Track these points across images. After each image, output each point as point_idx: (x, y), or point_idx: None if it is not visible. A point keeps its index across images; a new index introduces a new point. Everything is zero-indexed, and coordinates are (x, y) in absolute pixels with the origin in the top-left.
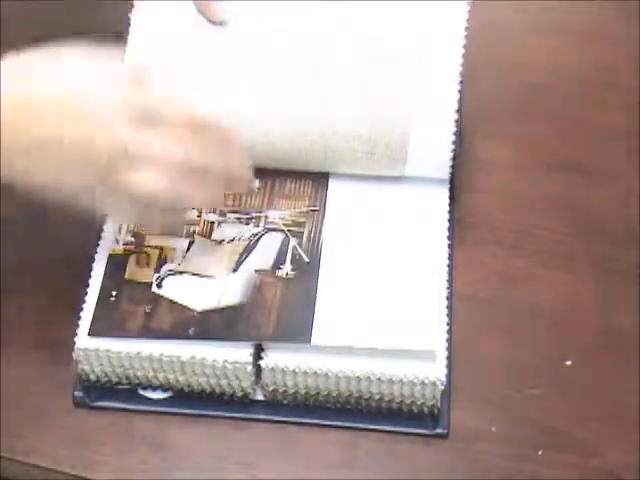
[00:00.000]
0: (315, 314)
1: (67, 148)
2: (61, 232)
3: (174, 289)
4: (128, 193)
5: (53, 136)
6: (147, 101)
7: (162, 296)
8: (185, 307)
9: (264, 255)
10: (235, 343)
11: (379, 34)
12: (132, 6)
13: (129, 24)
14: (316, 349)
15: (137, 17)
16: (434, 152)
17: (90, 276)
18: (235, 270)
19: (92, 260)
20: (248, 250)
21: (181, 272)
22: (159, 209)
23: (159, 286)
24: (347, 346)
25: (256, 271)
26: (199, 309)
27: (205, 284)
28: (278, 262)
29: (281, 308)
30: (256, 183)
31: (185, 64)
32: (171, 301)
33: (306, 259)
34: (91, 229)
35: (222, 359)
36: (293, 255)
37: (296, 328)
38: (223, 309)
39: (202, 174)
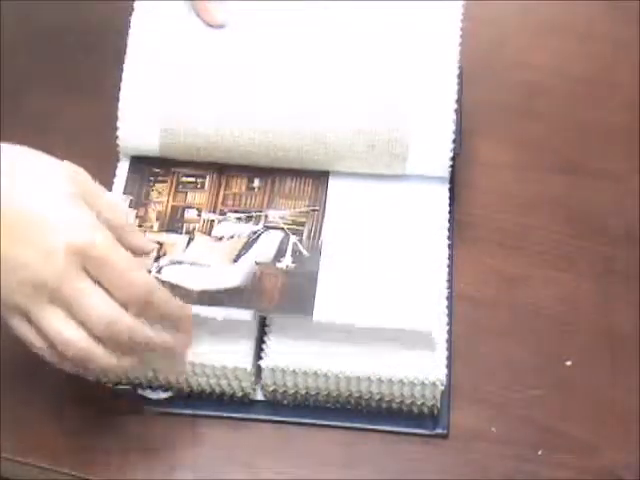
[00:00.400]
0: (317, 294)
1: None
2: None
3: (173, 275)
4: (41, 328)
5: None
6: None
7: (161, 280)
8: (184, 288)
9: (264, 250)
10: (236, 342)
11: (377, 33)
12: (133, 8)
13: (129, 25)
14: (318, 327)
15: (137, 18)
16: (434, 150)
17: None
18: (235, 261)
19: None
20: (248, 246)
21: (180, 262)
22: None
23: (158, 272)
24: (348, 323)
25: (256, 263)
26: (198, 289)
27: (204, 271)
28: (278, 255)
29: (283, 290)
30: (185, 367)
31: (185, 64)
32: (170, 284)
33: (306, 254)
34: None
35: (222, 361)
36: (293, 250)
37: (299, 303)
38: (223, 290)
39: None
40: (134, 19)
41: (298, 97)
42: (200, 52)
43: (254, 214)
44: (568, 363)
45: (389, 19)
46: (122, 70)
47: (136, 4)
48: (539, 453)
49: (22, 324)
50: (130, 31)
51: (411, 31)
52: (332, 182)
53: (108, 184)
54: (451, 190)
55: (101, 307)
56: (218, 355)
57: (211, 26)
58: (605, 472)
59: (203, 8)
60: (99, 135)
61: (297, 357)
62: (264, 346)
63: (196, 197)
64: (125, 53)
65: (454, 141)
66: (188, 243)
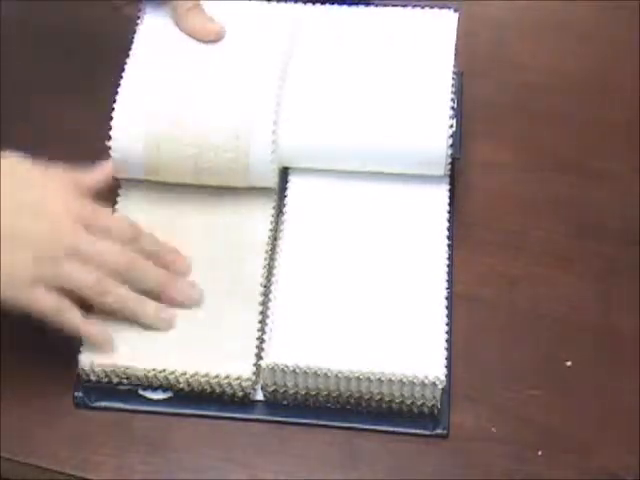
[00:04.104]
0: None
1: (18, 241)
2: None
3: None
4: (62, 284)
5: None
6: (91, 210)
7: None
8: None
9: None
10: (236, 342)
11: (374, 42)
12: (139, 16)
13: (130, 30)
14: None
15: (145, 29)
16: (431, 148)
17: None
18: None
19: None
20: None
21: None
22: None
23: None
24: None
25: None
26: None
27: None
28: None
29: None
30: (195, 294)
31: (187, 76)
32: None
33: None
34: None
35: (222, 361)
36: None
37: None
38: None
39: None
40: (138, 36)
41: (304, 104)
42: (200, 66)
43: None
44: (568, 363)
45: (386, 28)
46: (122, 71)
47: (147, 16)
48: (539, 453)
49: (48, 294)
50: (135, 39)
51: (407, 39)
52: (333, 182)
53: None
54: (451, 190)
55: (116, 249)
56: (218, 355)
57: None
58: (605, 472)
59: (192, 30)
60: (99, 135)
61: (297, 357)
62: (264, 346)
63: None
64: (125, 53)
65: (452, 145)
66: None
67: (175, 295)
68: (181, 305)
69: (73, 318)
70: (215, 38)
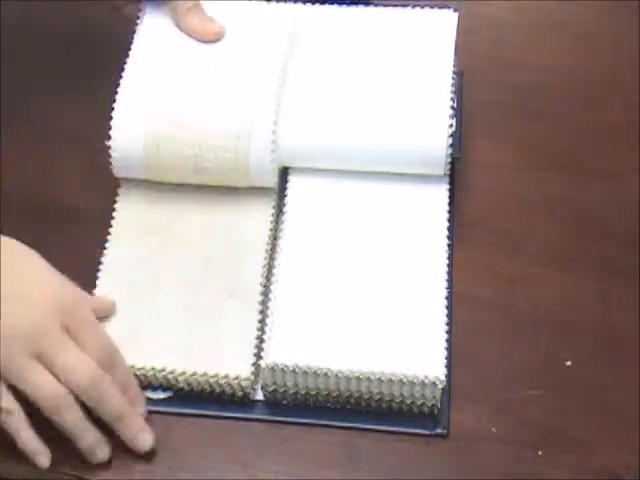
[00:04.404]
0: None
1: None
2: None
3: None
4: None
5: None
6: (76, 304)
7: None
8: None
9: None
10: (236, 341)
11: (373, 42)
12: (139, 16)
13: (130, 31)
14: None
15: (144, 29)
16: (430, 148)
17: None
18: None
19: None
20: None
21: None
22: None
23: None
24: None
25: None
26: None
27: None
28: None
29: None
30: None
31: (187, 76)
32: None
33: None
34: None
35: (222, 361)
36: None
37: None
38: None
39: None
40: (138, 36)
41: (306, 104)
42: (200, 66)
43: None
44: (568, 363)
45: (386, 28)
46: (122, 71)
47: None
48: (539, 453)
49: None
50: (135, 39)
51: (407, 39)
52: (333, 182)
53: (108, 184)
54: (451, 191)
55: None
56: (218, 355)
57: (205, 41)
58: (605, 472)
59: (192, 30)
60: (99, 135)
61: (297, 357)
62: (264, 346)
63: None
64: (125, 53)
65: (452, 145)
66: None
67: (129, 429)
68: (130, 443)
69: (16, 424)
70: (214, 38)
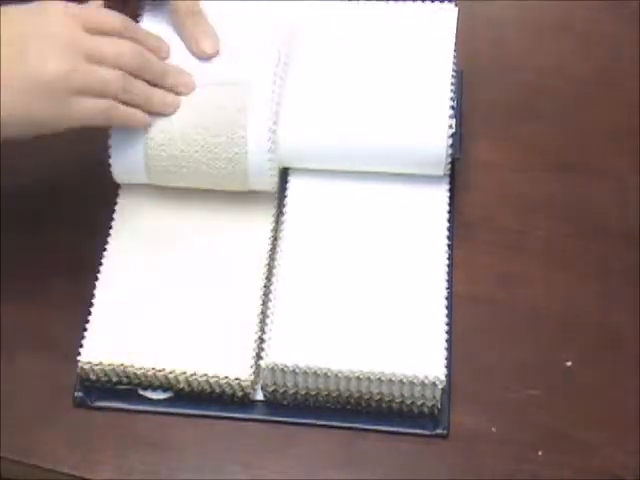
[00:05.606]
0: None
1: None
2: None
3: None
4: (93, 86)
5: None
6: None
7: None
8: None
9: None
10: (236, 341)
11: (373, 38)
12: (139, 15)
13: None
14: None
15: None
16: (430, 148)
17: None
18: None
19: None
20: None
21: None
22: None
23: None
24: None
25: None
26: None
27: None
28: None
29: None
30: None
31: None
32: None
33: None
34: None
35: (222, 361)
36: None
37: None
38: None
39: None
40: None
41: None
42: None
43: None
44: (568, 363)
45: (385, 23)
46: None
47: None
48: (539, 453)
49: (90, 100)
50: None
51: (407, 35)
52: (333, 182)
53: (109, 185)
54: (451, 190)
55: (120, 47)
56: (218, 355)
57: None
58: (605, 472)
59: (194, 42)
60: (99, 136)
61: (297, 357)
62: (264, 346)
63: None
64: None
65: (452, 145)
66: None
67: (177, 81)
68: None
69: (125, 110)
70: (207, 54)
